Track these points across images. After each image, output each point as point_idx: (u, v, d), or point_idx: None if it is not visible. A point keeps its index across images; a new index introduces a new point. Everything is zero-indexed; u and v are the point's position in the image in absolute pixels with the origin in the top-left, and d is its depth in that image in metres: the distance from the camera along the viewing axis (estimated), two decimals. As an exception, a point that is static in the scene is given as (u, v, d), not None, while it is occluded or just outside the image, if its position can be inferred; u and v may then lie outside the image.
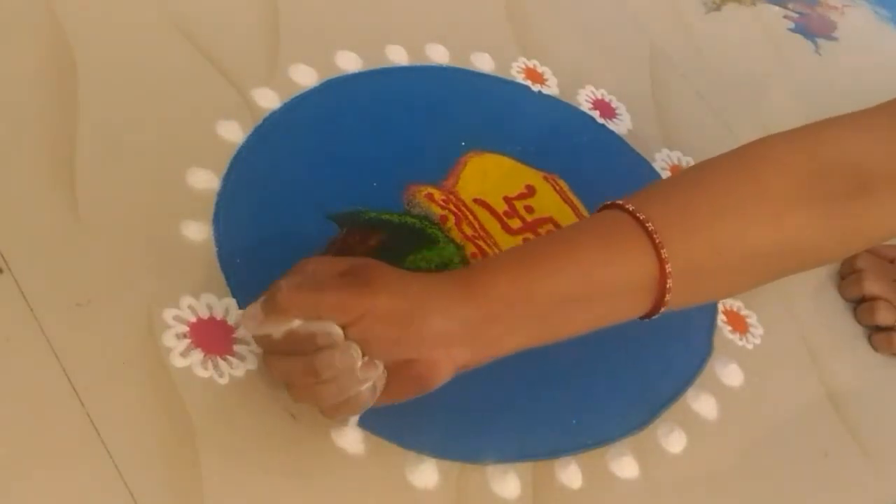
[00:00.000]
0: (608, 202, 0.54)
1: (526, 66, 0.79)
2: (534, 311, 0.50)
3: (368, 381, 0.47)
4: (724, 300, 0.68)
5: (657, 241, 0.50)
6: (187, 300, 0.52)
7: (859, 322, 0.72)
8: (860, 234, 0.56)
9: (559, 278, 0.50)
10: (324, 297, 0.47)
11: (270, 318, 0.47)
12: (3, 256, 0.50)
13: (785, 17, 1.01)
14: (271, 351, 0.49)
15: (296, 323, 0.47)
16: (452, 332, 0.48)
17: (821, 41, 0.99)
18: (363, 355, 0.47)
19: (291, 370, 0.48)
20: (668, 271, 0.50)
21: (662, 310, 0.52)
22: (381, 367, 0.48)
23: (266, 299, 0.48)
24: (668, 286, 0.51)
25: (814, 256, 0.57)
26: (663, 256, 0.50)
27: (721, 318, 0.67)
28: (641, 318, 0.53)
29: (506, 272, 0.50)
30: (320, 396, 0.48)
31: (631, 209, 0.52)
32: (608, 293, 0.51)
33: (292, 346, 0.47)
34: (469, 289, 0.49)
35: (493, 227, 0.65)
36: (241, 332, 0.52)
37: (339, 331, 0.46)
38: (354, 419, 0.51)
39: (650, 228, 0.50)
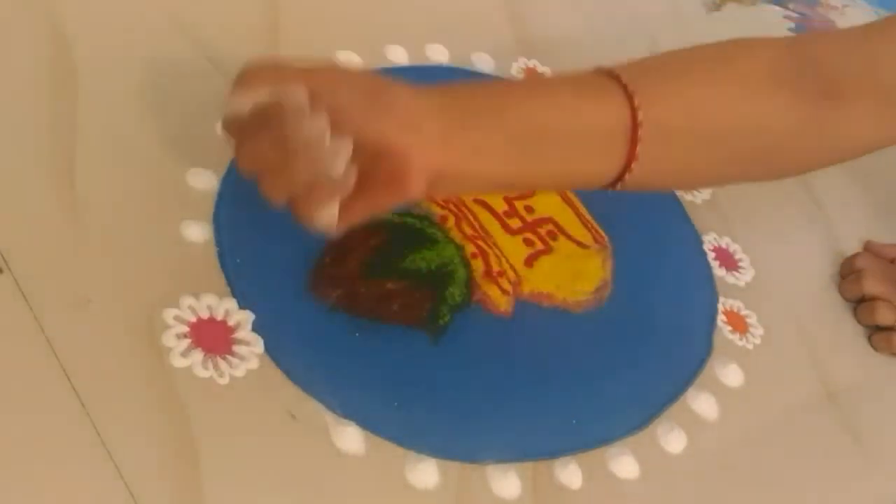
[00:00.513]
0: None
1: (526, 66, 0.79)
2: (506, 129, 0.48)
3: (337, 156, 0.43)
4: (723, 302, 0.68)
5: (630, 90, 0.50)
6: (187, 300, 0.52)
7: (859, 322, 0.72)
8: (832, 139, 0.57)
9: (532, 103, 0.50)
10: (289, 65, 0.45)
11: (237, 90, 0.44)
12: (3, 256, 0.50)
13: (785, 17, 1.01)
14: (239, 132, 0.46)
15: (262, 94, 0.44)
16: (422, 105, 0.46)
17: (821, 41, 0.99)
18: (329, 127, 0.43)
19: (260, 150, 0.45)
20: (639, 120, 0.50)
21: (632, 168, 0.51)
22: (350, 144, 0.44)
23: (237, 78, 0.45)
24: (638, 136, 0.50)
25: (784, 153, 0.57)
26: (635, 104, 0.50)
27: (721, 318, 0.67)
28: (612, 185, 0.52)
29: (478, 89, 0.51)
30: (292, 175, 0.44)
31: (606, 69, 0.53)
32: (580, 132, 0.50)
33: (260, 122, 0.44)
34: (443, 89, 0.48)
35: (494, 227, 0.65)
36: (240, 333, 0.52)
37: (305, 99, 0.43)
38: (333, 213, 0.45)
39: (624, 81, 0.51)
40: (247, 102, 0.44)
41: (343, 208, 0.45)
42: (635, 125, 0.50)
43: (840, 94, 0.55)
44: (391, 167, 0.45)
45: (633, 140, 0.50)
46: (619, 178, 0.52)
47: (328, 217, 0.46)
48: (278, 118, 0.44)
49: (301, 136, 0.43)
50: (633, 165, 0.51)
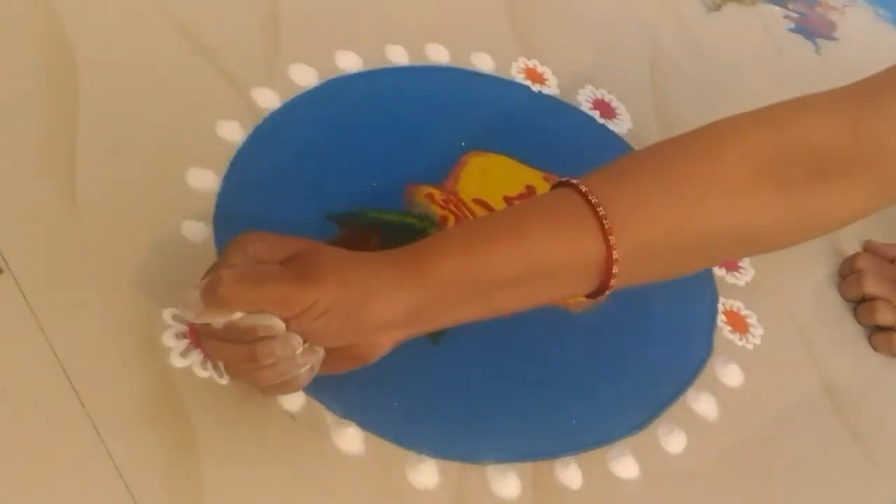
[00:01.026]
0: (563, 179, 0.53)
1: (526, 66, 0.79)
2: (475, 292, 0.50)
3: (307, 365, 0.48)
4: (723, 302, 0.68)
5: (607, 227, 0.50)
6: (187, 300, 0.52)
7: (859, 322, 0.72)
8: (818, 220, 0.56)
9: (503, 264, 0.50)
10: (265, 293, 0.46)
11: (210, 310, 0.46)
12: (2, 256, 0.50)
13: (785, 17, 1.01)
14: (209, 336, 0.48)
15: (237, 315, 0.46)
16: (395, 316, 0.49)
17: (821, 41, 0.99)
18: (304, 342, 0.47)
19: (231, 356, 0.48)
20: (614, 258, 0.50)
21: (607, 292, 0.52)
22: (321, 353, 0.48)
23: (207, 289, 0.46)
24: (613, 271, 0.50)
25: (768, 241, 0.57)
26: (611, 243, 0.50)
27: (721, 318, 0.67)
28: (587, 296, 0.53)
29: (450, 256, 0.50)
30: (259, 379, 0.48)
31: (584, 190, 0.51)
32: (552, 277, 0.51)
33: (233, 335, 0.47)
34: (414, 272, 0.49)
35: (493, 227, 0.64)
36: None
37: (280, 324, 0.46)
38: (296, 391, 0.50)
39: (601, 213, 0.50)
40: (221, 321, 0.46)
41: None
42: (610, 261, 0.50)
43: (828, 173, 0.53)
44: (358, 353, 0.49)
45: (608, 274, 0.51)
46: (594, 296, 0.53)
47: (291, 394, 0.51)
48: (252, 337, 0.46)
49: (273, 357, 0.46)
50: (608, 291, 0.52)
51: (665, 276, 0.57)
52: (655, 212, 0.52)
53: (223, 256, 0.49)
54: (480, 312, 0.51)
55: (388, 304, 0.48)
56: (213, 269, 0.48)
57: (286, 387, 0.48)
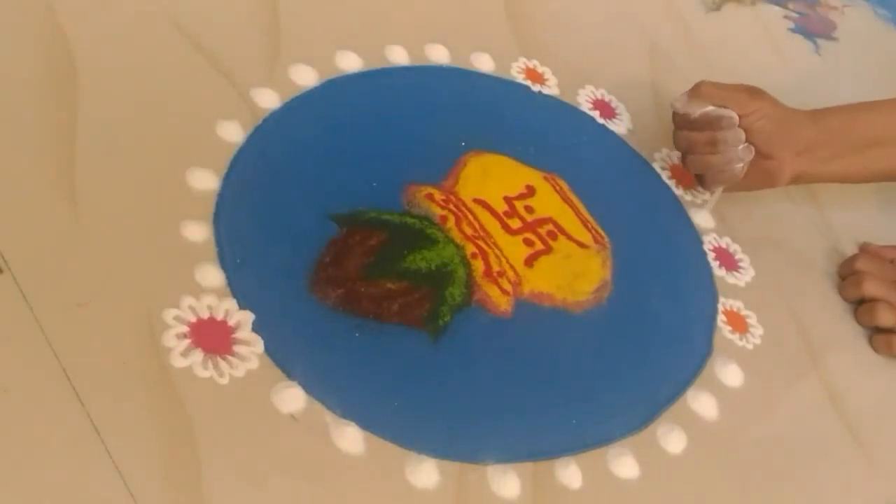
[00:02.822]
0: None
1: (526, 66, 0.79)
2: (850, 142, 0.71)
3: (742, 162, 0.69)
4: (723, 302, 0.68)
5: None
6: (187, 300, 0.52)
7: (859, 323, 0.72)
8: None
9: (870, 122, 0.71)
10: (731, 93, 0.69)
11: (693, 101, 0.70)
12: (3, 256, 0.50)
13: (785, 17, 1.01)
14: (682, 127, 0.71)
15: (709, 107, 0.69)
16: (800, 142, 0.69)
17: (821, 41, 0.99)
18: (744, 140, 0.68)
19: (696, 141, 0.70)
20: None
21: None
22: (752, 152, 0.69)
23: (692, 89, 0.70)
24: None
25: None
26: None
27: (721, 318, 0.67)
28: None
29: (838, 112, 0.72)
30: (710, 162, 0.70)
31: None
32: None
33: (701, 123, 0.69)
34: (813, 116, 0.71)
35: (493, 226, 0.65)
36: (240, 333, 0.52)
37: (736, 118, 0.68)
38: (712, 201, 0.73)
39: None
40: (698, 110, 0.69)
41: (728, 186, 0.72)
42: None
43: None
44: (769, 167, 0.70)
45: None
46: None
47: (718, 189, 0.73)
48: (715, 124, 0.69)
49: (726, 144, 0.68)
50: None
51: None
52: None
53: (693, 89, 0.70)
54: (852, 169, 0.72)
55: (800, 131, 0.70)
56: (697, 84, 0.70)
57: (724, 176, 0.70)
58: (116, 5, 0.66)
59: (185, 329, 0.51)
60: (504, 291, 0.61)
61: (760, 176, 0.70)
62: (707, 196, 0.74)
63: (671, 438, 0.58)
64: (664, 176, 0.76)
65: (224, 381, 0.50)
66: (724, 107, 0.68)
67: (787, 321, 0.69)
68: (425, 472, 0.51)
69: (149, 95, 0.62)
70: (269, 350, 0.52)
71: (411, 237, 0.61)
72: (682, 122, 0.71)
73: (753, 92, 0.69)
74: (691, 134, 0.70)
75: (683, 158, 0.73)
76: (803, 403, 0.65)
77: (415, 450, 0.52)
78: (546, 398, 0.58)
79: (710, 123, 0.69)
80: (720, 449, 0.60)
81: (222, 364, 0.51)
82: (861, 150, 0.71)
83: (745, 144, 0.68)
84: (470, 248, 0.62)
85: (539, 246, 0.65)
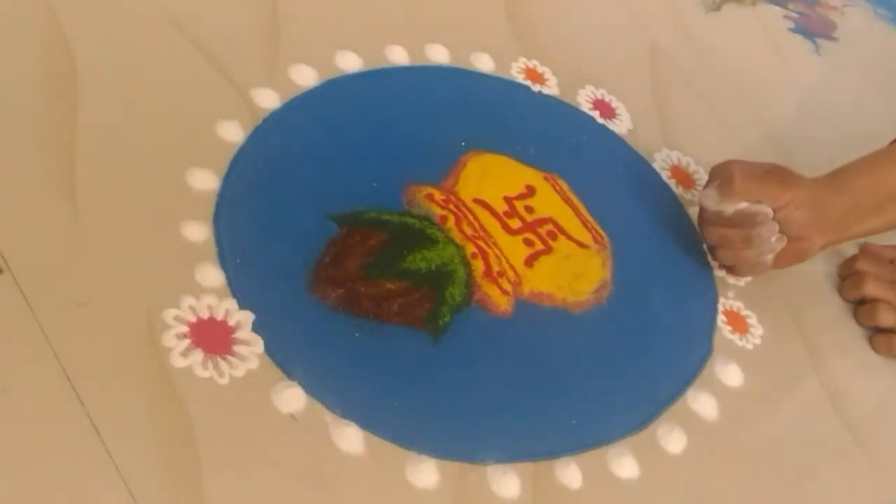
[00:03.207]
0: None
1: (526, 66, 0.79)
2: (875, 204, 0.69)
3: (774, 252, 0.67)
4: (723, 302, 0.68)
5: None
6: (187, 300, 0.52)
7: (859, 323, 0.72)
8: None
9: (892, 177, 0.70)
10: (765, 187, 0.65)
11: (726, 199, 0.66)
12: (3, 256, 0.50)
13: (785, 17, 1.01)
14: (712, 223, 0.68)
15: (743, 204, 0.66)
16: (831, 218, 0.68)
17: (821, 41, 0.99)
18: (778, 232, 0.66)
19: (731, 238, 0.68)
20: None
21: None
22: (784, 241, 0.67)
23: (723, 184, 0.66)
24: None
25: None
26: None
27: (721, 318, 0.67)
28: None
29: (859, 175, 0.69)
30: (744, 258, 0.68)
31: None
32: None
33: (736, 220, 0.67)
34: (839, 187, 0.69)
35: (493, 226, 0.65)
36: (240, 333, 0.52)
37: (771, 212, 0.66)
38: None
39: None
40: (731, 208, 0.66)
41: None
42: None
43: None
44: (801, 249, 0.68)
45: None
46: None
47: (748, 277, 0.71)
48: (749, 220, 0.66)
49: (760, 235, 0.66)
50: None
51: None
52: None
53: (717, 169, 0.68)
54: (875, 226, 0.71)
55: (831, 208, 0.68)
56: (713, 178, 0.68)
57: (757, 268, 0.68)
58: (116, 5, 0.66)
59: (185, 329, 0.51)
60: (504, 291, 0.61)
61: (791, 257, 0.68)
62: (733, 279, 0.71)
63: (671, 438, 0.58)
64: (664, 176, 0.76)
65: (224, 381, 0.50)
66: (758, 201, 0.65)
67: (787, 321, 0.69)
68: (425, 472, 0.51)
69: (149, 95, 0.62)
70: (269, 350, 0.52)
71: (411, 237, 0.61)
72: (713, 218, 0.68)
73: (784, 181, 0.66)
74: (724, 231, 0.68)
75: (712, 251, 0.71)
76: (803, 403, 0.65)
77: (415, 450, 0.52)
78: (546, 398, 0.58)
79: (744, 220, 0.66)
80: (720, 449, 0.60)
81: (222, 364, 0.51)
82: (884, 207, 0.70)
83: (779, 236, 0.66)
84: (470, 248, 0.62)
85: (539, 246, 0.65)
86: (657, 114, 0.81)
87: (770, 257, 0.67)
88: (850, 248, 0.77)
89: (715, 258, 0.71)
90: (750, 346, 0.66)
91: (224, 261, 0.55)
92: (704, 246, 0.71)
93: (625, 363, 0.62)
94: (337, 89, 0.69)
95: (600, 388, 0.60)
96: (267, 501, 0.48)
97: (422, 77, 0.74)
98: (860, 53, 1.01)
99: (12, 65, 0.60)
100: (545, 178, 0.70)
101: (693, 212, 0.74)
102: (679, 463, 0.58)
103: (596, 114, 0.78)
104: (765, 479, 0.59)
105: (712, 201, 0.67)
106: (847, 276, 0.74)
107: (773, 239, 0.66)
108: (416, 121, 0.70)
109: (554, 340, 0.61)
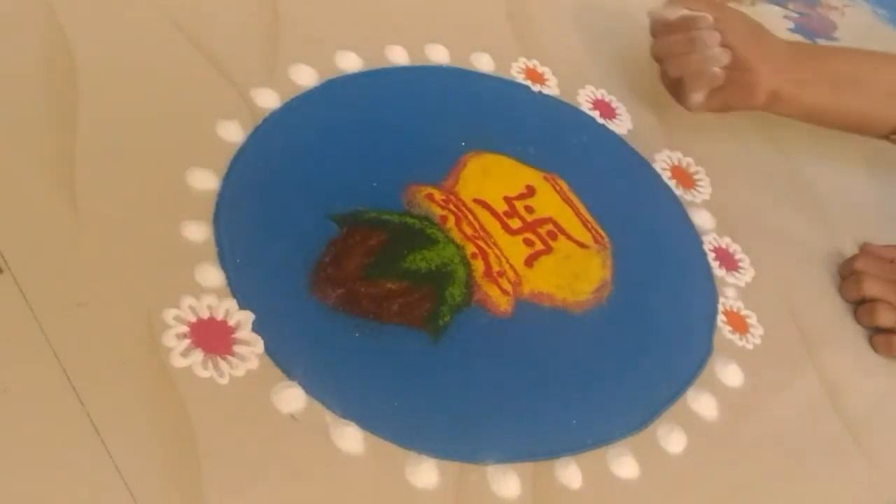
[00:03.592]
0: None
1: (526, 66, 0.79)
2: (828, 74, 0.73)
3: (719, 64, 0.71)
4: (723, 302, 0.68)
5: None
6: (187, 300, 0.52)
7: (859, 323, 0.72)
8: None
9: (850, 57, 0.75)
10: (707, 1, 0.72)
11: (670, 6, 0.73)
12: (3, 256, 0.50)
13: (785, 17, 1.01)
14: (663, 32, 0.73)
15: (685, 11, 0.72)
16: (779, 51, 0.72)
17: (821, 41, 0.99)
18: (720, 43, 0.70)
19: (674, 42, 0.72)
20: None
21: None
22: (729, 56, 0.71)
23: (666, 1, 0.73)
24: None
25: None
26: None
27: (721, 318, 0.67)
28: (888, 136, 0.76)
29: (813, 47, 0.80)
30: (689, 63, 0.72)
31: None
32: (881, 89, 0.74)
33: (678, 26, 0.72)
34: (788, 43, 0.74)
35: (493, 226, 0.65)
36: (240, 333, 0.52)
37: (711, 20, 0.71)
38: (701, 98, 0.73)
39: None
40: (675, 14, 0.72)
41: (709, 100, 0.73)
42: None
43: None
44: (748, 80, 0.71)
45: None
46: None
47: (698, 98, 0.73)
48: (692, 25, 0.71)
49: (702, 43, 0.70)
50: None
51: None
52: None
53: None
54: (825, 98, 0.73)
55: (776, 45, 0.73)
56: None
57: (704, 77, 0.72)
58: (117, 5, 0.66)
59: (185, 329, 0.51)
60: (504, 291, 0.61)
61: (738, 90, 0.72)
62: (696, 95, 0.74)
63: (671, 438, 0.58)
64: (664, 176, 0.76)
65: (224, 381, 0.50)
66: (700, 11, 0.72)
67: (787, 321, 0.69)
68: (425, 472, 0.51)
69: (149, 95, 0.62)
70: (269, 350, 0.52)
71: (411, 237, 0.61)
72: (658, 27, 0.74)
73: (726, 2, 0.72)
74: (668, 37, 0.73)
75: (662, 68, 0.74)
76: (803, 403, 0.65)
77: (415, 450, 0.52)
78: (546, 398, 0.58)
79: (686, 25, 0.71)
80: (720, 449, 0.60)
81: (222, 364, 0.51)
82: (837, 85, 0.72)
83: (722, 48, 0.70)
84: (470, 248, 0.62)
85: (539, 246, 0.65)
86: (657, 114, 0.81)
87: (717, 71, 0.71)
88: (850, 248, 0.77)
89: (665, 73, 0.75)
90: (750, 346, 0.66)
91: (224, 261, 0.55)
92: (662, 81, 0.77)
93: (625, 363, 0.62)
94: (337, 89, 0.69)
95: (600, 388, 0.60)
96: (267, 501, 0.48)
97: (422, 77, 0.74)
98: (860, 53, 1.01)
99: (12, 64, 0.60)
100: (545, 178, 0.70)
101: (693, 212, 0.74)
102: (679, 463, 0.58)
103: (596, 114, 0.78)
104: (764, 479, 0.59)
105: (658, 14, 0.74)
106: (847, 276, 0.74)
107: (717, 49, 0.70)
108: (416, 121, 0.70)
109: (554, 340, 0.61)
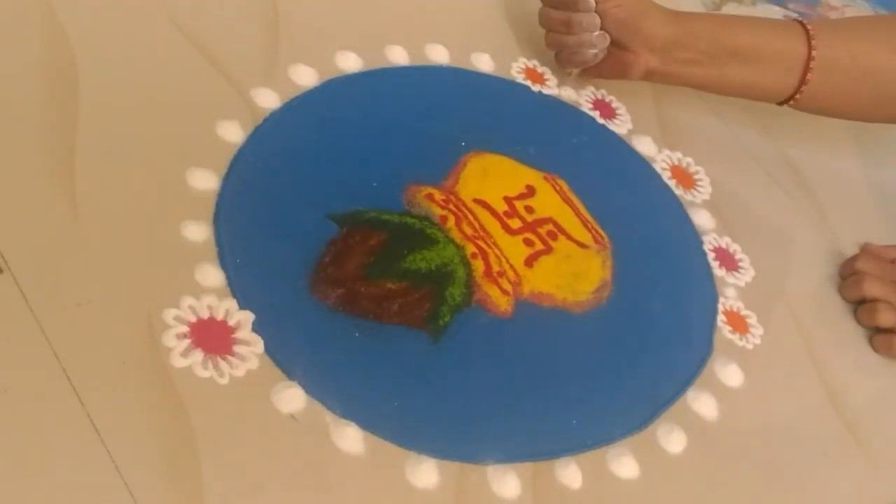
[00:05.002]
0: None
1: (526, 66, 0.79)
2: (710, 49, 0.73)
3: (596, 48, 0.73)
4: (723, 302, 0.68)
5: (811, 33, 0.72)
6: (187, 300, 0.52)
7: (859, 323, 0.72)
8: None
9: (733, 34, 0.73)
10: None
11: None
12: (3, 256, 0.50)
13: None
14: (547, 4, 0.74)
15: None
16: (657, 38, 0.72)
17: (821, 41, 0.99)
18: (600, 29, 0.72)
19: (555, 20, 0.74)
20: (812, 54, 0.72)
21: (803, 90, 0.73)
22: (607, 41, 0.72)
23: None
24: (810, 66, 0.72)
25: None
26: (812, 44, 0.71)
27: (721, 318, 0.67)
28: (785, 102, 0.75)
29: (702, 18, 0.76)
30: (565, 42, 0.74)
31: (797, 19, 0.74)
32: (765, 54, 0.73)
33: (561, 3, 0.72)
34: (676, 17, 0.73)
35: (493, 226, 0.65)
36: (240, 333, 0.52)
37: (594, 3, 0.71)
38: (577, 72, 0.77)
39: (808, 27, 0.72)
40: None
41: (584, 72, 0.77)
42: (809, 57, 0.72)
43: None
44: (624, 60, 0.74)
45: (806, 68, 0.72)
46: (791, 97, 0.74)
47: (571, 73, 0.77)
48: (572, 6, 0.72)
49: (580, 27, 0.72)
50: (803, 88, 0.73)
51: (843, 101, 0.75)
52: (843, 39, 0.73)
53: None
54: (708, 74, 0.74)
55: (657, 25, 0.72)
56: None
57: (578, 57, 0.74)
58: (117, 5, 0.66)
59: (185, 329, 0.51)
60: (504, 291, 0.61)
61: (614, 65, 0.74)
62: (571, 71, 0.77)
63: (671, 438, 0.58)
64: (664, 176, 0.76)
65: (224, 381, 0.50)
66: None
67: (787, 321, 0.69)
68: (425, 472, 0.51)
69: (149, 95, 0.62)
70: (269, 350, 0.52)
71: (411, 237, 0.61)
72: (548, 2, 0.75)
73: None
74: (550, 12, 0.74)
75: (546, 36, 0.76)
76: (803, 403, 0.65)
77: (415, 450, 0.52)
78: (546, 398, 0.58)
79: (568, 4, 0.72)
80: (720, 449, 0.60)
81: (222, 364, 0.51)
82: (721, 62, 0.73)
83: (601, 32, 0.72)
84: (470, 248, 0.62)
85: (539, 246, 0.65)
86: (657, 114, 0.81)
87: (593, 53, 0.73)
88: (850, 249, 0.77)
89: (546, 43, 0.77)
90: (750, 346, 0.66)
91: (224, 261, 0.55)
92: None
93: (625, 363, 0.62)
94: (337, 89, 0.69)
95: (600, 388, 0.60)
96: (267, 501, 0.48)
97: (422, 77, 0.74)
98: (860, 53, 1.01)
99: (13, 64, 0.60)
100: (545, 178, 0.70)
101: (693, 212, 0.74)
102: (679, 463, 0.58)
103: (596, 114, 0.78)
104: (764, 479, 0.59)
105: None
106: (847, 276, 0.74)
107: (595, 34, 0.72)
108: (416, 121, 0.70)
109: (554, 340, 0.61)
